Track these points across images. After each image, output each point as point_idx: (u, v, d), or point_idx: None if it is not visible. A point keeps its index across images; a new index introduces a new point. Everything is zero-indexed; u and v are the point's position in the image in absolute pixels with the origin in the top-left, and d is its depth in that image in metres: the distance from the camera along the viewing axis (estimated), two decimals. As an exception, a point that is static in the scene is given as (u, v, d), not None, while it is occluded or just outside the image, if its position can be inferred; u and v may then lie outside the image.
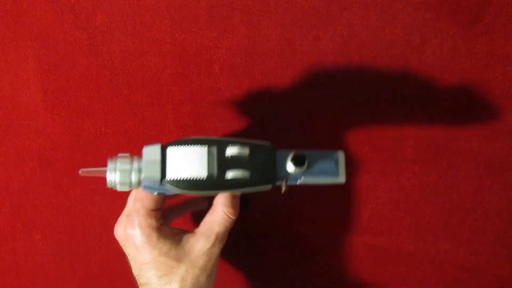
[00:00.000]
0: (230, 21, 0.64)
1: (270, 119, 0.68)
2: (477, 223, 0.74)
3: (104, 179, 0.56)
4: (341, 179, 0.56)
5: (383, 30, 0.64)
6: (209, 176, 0.54)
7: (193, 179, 0.54)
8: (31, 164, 0.70)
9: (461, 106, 0.68)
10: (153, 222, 0.58)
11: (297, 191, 0.72)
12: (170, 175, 0.54)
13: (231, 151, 0.54)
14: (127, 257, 0.61)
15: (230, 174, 0.54)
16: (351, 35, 0.64)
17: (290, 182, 0.56)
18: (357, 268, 0.77)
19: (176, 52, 0.65)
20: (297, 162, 0.54)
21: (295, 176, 0.56)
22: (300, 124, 0.69)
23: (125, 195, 0.64)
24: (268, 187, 0.56)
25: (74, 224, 0.73)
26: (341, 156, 0.57)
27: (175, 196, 0.66)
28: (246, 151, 0.54)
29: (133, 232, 0.58)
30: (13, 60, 0.65)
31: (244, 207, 0.70)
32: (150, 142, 0.69)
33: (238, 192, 0.58)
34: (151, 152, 0.55)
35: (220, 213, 0.59)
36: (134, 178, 0.55)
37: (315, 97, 0.67)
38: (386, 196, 0.73)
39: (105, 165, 0.70)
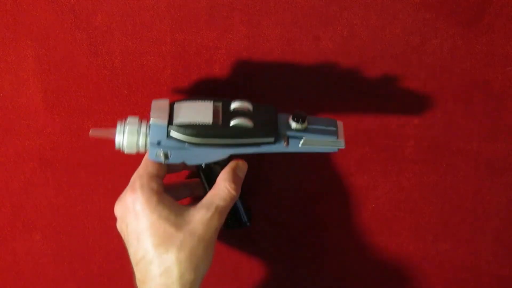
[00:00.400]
0: (230, 21, 0.64)
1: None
2: (477, 223, 0.74)
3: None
4: (341, 142, 0.59)
5: (383, 30, 0.64)
6: (214, 122, 0.57)
7: (198, 124, 0.57)
8: (31, 164, 0.70)
9: (461, 106, 0.68)
10: (155, 186, 0.58)
11: (297, 190, 0.72)
12: (177, 120, 0.57)
13: (235, 105, 0.58)
14: (125, 237, 0.60)
15: (234, 121, 0.57)
16: (351, 35, 0.64)
17: (292, 147, 0.59)
18: (357, 268, 0.77)
19: (176, 52, 0.65)
20: (298, 118, 0.58)
21: (297, 135, 0.58)
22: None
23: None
24: (271, 139, 0.58)
25: (74, 224, 0.73)
26: (339, 123, 0.60)
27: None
28: (249, 106, 0.58)
29: (133, 196, 0.58)
30: (13, 60, 0.65)
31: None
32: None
33: (241, 150, 0.59)
34: (160, 102, 0.59)
35: (222, 187, 0.59)
36: (141, 140, 0.58)
37: (315, 97, 0.67)
38: (386, 196, 0.73)
39: (106, 163, 0.70)
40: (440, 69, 0.66)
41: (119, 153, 0.69)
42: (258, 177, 0.71)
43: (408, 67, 0.66)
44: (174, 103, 0.59)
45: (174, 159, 0.59)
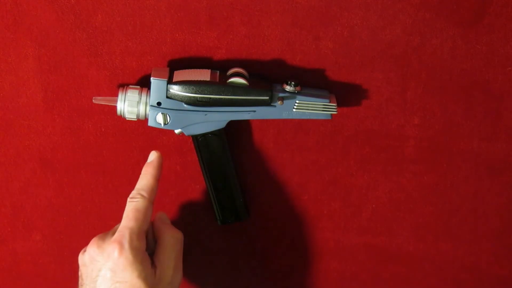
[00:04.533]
0: (230, 21, 0.64)
1: (269, 120, 0.68)
2: (477, 223, 0.74)
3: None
4: (333, 106, 0.63)
5: (383, 30, 0.64)
6: (212, 79, 0.62)
7: (197, 80, 0.61)
8: (31, 164, 0.70)
9: (461, 106, 0.68)
10: (142, 245, 0.59)
11: (297, 190, 0.72)
12: (177, 78, 0.62)
13: (232, 70, 0.63)
14: (89, 276, 0.60)
15: (231, 80, 0.62)
16: (351, 35, 0.64)
17: (286, 110, 0.63)
18: (357, 268, 0.77)
19: (176, 52, 0.65)
20: (292, 81, 0.63)
21: (291, 96, 0.63)
22: (300, 125, 0.69)
23: (123, 196, 0.64)
24: (265, 98, 0.62)
25: (74, 224, 0.73)
26: (332, 94, 0.65)
27: None
28: (245, 72, 0.63)
29: (120, 250, 0.58)
30: (13, 60, 0.65)
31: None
32: (150, 142, 0.69)
33: (238, 115, 0.63)
34: (161, 68, 0.64)
35: (167, 239, 0.62)
36: (141, 108, 0.63)
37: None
38: (386, 196, 0.73)
39: (106, 163, 0.70)
40: (440, 69, 0.66)
41: (119, 153, 0.70)
42: (258, 177, 0.71)
43: (408, 67, 0.66)
44: (174, 70, 0.63)
45: (174, 124, 0.63)
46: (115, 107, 0.63)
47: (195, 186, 0.71)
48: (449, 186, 0.72)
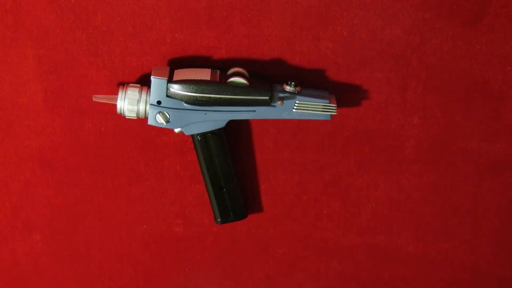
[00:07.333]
0: (230, 21, 0.64)
1: (269, 120, 0.68)
2: (477, 223, 0.74)
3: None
4: (333, 107, 0.64)
5: (383, 30, 0.64)
6: (212, 79, 0.62)
7: (197, 80, 0.61)
8: (31, 164, 0.70)
9: (461, 106, 0.68)
10: None
11: (297, 190, 0.72)
12: (177, 77, 0.62)
13: (233, 70, 0.63)
14: None
15: (231, 79, 0.62)
16: (351, 35, 0.64)
17: (286, 110, 0.63)
18: (357, 268, 0.77)
19: (176, 52, 0.65)
20: (292, 81, 0.63)
21: (291, 97, 0.63)
22: (300, 125, 0.69)
23: (123, 196, 0.64)
24: (265, 98, 0.62)
25: (74, 224, 0.73)
26: (332, 94, 0.65)
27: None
28: (245, 71, 0.63)
29: None
30: (13, 60, 0.65)
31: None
32: (150, 142, 0.69)
33: (238, 115, 0.63)
34: (161, 67, 0.64)
35: None
36: (141, 107, 0.63)
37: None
38: (386, 196, 0.73)
39: (106, 163, 0.70)
40: (440, 69, 0.66)
41: (119, 153, 0.70)
42: (258, 177, 0.71)
43: (408, 67, 0.66)
44: (174, 69, 0.63)
45: (174, 123, 0.63)
46: (115, 106, 0.63)
47: (195, 186, 0.71)
48: (449, 186, 0.72)
